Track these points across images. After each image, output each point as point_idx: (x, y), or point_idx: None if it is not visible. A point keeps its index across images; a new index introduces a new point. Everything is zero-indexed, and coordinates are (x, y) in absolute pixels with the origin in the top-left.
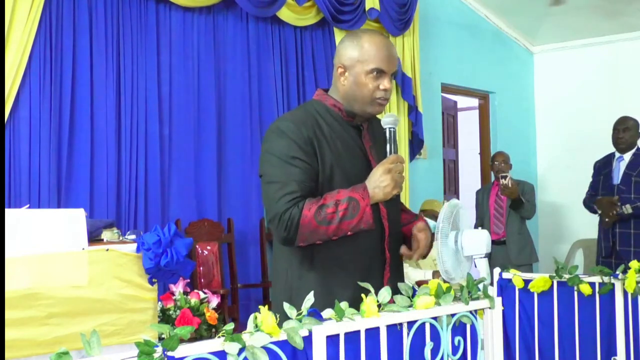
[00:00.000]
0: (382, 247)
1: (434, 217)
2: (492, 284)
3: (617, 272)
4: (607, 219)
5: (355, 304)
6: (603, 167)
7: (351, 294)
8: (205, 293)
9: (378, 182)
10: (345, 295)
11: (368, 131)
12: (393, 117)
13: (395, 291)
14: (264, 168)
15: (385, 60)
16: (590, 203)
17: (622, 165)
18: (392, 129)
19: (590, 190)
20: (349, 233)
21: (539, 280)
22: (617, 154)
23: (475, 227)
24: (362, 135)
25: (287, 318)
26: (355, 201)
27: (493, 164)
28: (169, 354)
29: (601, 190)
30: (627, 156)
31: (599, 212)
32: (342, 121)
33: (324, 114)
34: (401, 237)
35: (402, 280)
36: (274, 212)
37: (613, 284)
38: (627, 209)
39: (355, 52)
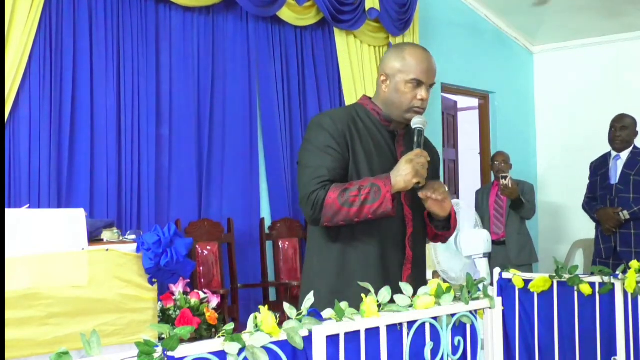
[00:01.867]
0: (403, 244)
1: None
2: (492, 284)
3: (617, 272)
4: (607, 227)
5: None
6: (600, 167)
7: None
8: (205, 293)
9: (400, 171)
10: (360, 281)
11: (403, 138)
12: (422, 119)
13: (414, 290)
14: (302, 155)
15: (424, 72)
16: (590, 211)
17: (620, 165)
18: (419, 129)
19: (588, 192)
20: (370, 216)
21: (539, 280)
22: (614, 153)
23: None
24: (395, 140)
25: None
26: (378, 187)
27: (493, 164)
28: (169, 354)
29: (599, 191)
30: (624, 155)
31: (601, 222)
32: (379, 124)
33: (363, 115)
34: (424, 238)
35: (423, 279)
36: (303, 193)
37: (613, 284)
38: (625, 215)
39: (397, 63)
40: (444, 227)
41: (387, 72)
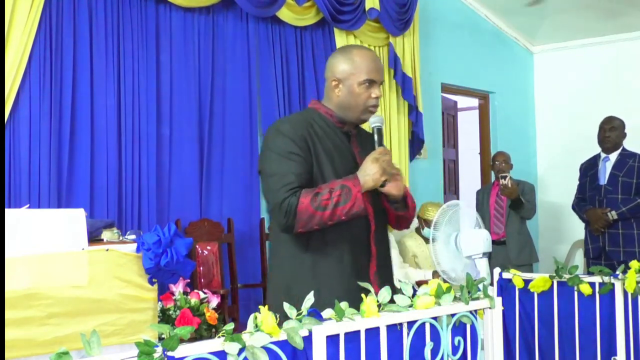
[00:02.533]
0: (368, 241)
1: (427, 223)
2: (492, 284)
3: (617, 272)
4: (596, 227)
5: (348, 294)
6: (589, 168)
7: (341, 282)
8: (205, 293)
9: (367, 171)
10: (336, 283)
11: (356, 138)
12: (378, 117)
13: (381, 285)
14: (264, 164)
15: (375, 71)
16: (580, 212)
17: (608, 166)
18: (379, 127)
19: (578, 193)
20: (343, 218)
21: (539, 280)
22: (603, 155)
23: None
24: (350, 141)
25: (285, 312)
26: (348, 188)
27: (494, 163)
28: (169, 354)
29: (588, 192)
30: (613, 156)
31: (590, 222)
32: (334, 127)
33: (317, 119)
34: (386, 234)
35: (390, 276)
36: (274, 202)
37: (613, 284)
38: (613, 215)
39: (347, 66)
40: (404, 207)
41: (338, 76)
